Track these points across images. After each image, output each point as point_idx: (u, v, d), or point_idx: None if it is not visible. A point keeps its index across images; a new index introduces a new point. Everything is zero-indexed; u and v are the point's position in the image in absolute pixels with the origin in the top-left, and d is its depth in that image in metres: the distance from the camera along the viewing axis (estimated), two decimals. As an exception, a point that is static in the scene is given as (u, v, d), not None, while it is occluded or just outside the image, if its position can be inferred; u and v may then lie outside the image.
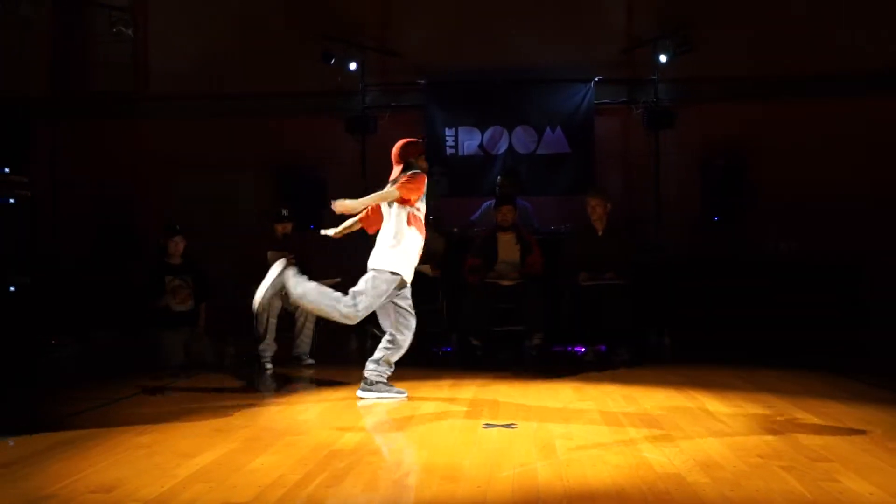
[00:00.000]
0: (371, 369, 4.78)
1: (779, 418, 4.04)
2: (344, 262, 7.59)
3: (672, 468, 3.16)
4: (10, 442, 3.75)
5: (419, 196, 4.77)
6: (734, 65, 8.23)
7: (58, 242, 8.16)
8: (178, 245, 6.64)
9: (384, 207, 4.84)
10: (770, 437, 3.63)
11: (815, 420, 3.98)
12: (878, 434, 3.64)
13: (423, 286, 6.76)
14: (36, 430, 3.95)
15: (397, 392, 4.78)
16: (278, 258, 6.49)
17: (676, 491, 2.87)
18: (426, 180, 4.82)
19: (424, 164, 4.94)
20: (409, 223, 4.75)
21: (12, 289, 5.84)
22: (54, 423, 4.16)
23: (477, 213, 8.10)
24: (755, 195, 8.05)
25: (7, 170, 5.93)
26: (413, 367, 6.18)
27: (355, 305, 4.61)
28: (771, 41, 8.20)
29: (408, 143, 4.97)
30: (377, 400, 4.70)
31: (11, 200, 5.91)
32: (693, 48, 7.82)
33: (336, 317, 4.68)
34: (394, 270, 4.70)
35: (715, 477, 3.02)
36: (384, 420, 4.31)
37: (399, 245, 4.72)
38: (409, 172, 4.77)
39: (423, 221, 4.89)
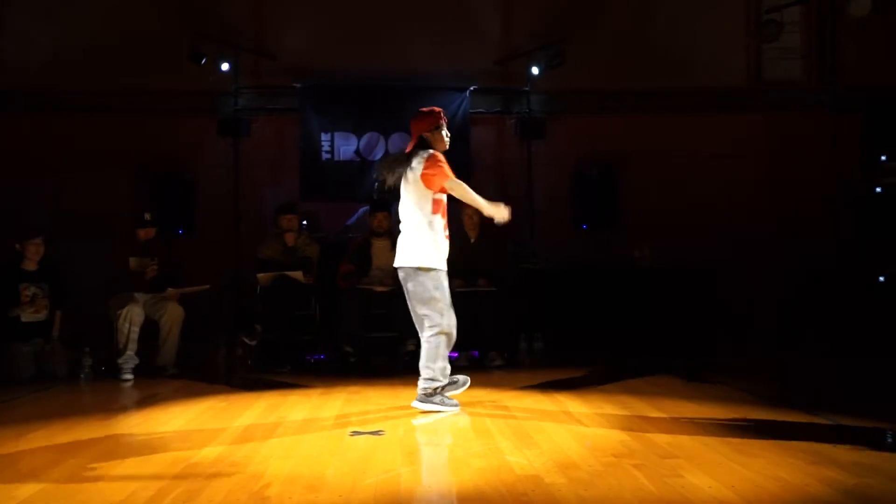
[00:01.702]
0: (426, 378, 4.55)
1: (635, 418, 4.24)
2: (212, 267, 7.44)
3: (532, 470, 3.25)
4: None
5: (446, 179, 4.47)
6: (604, 78, 8.56)
7: None
8: (37, 248, 6.25)
9: (411, 197, 4.57)
10: (625, 437, 3.80)
11: (667, 419, 4.20)
12: (723, 431, 3.88)
13: (296, 293, 6.69)
14: None
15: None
16: (140, 264, 6.29)
17: (534, 492, 2.96)
18: (443, 159, 4.54)
19: (441, 136, 4.64)
20: (433, 211, 4.54)
21: None
22: None
23: (353, 219, 8.08)
24: (622, 205, 8.42)
25: None
26: (284, 375, 6.13)
27: (439, 322, 4.47)
28: (639, 56, 8.59)
29: (420, 115, 4.68)
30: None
31: None
32: (565, 61, 8.10)
33: (443, 344, 4.50)
34: (432, 266, 4.48)
35: (571, 477, 3.13)
36: (247, 432, 4.21)
37: (435, 235, 4.54)
38: (425, 158, 4.51)
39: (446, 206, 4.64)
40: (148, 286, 6.31)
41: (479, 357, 6.61)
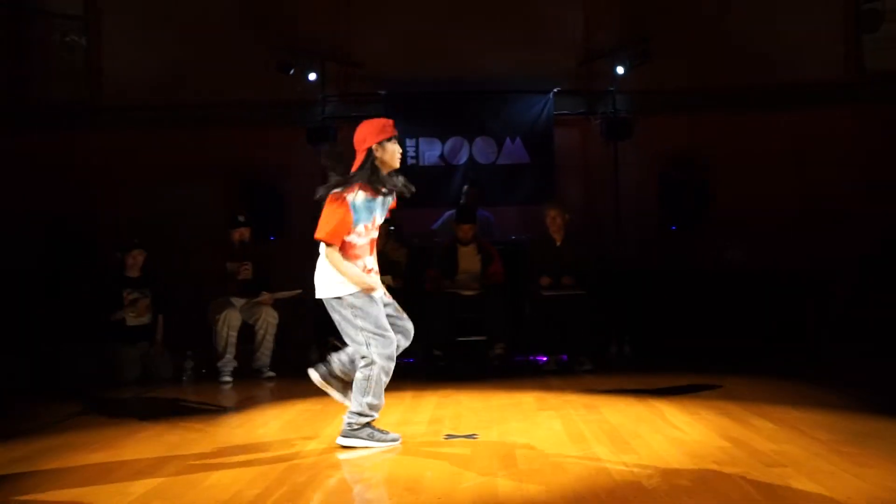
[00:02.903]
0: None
1: (735, 424, 4.11)
2: (303, 273, 7.60)
3: (631, 476, 3.20)
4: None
5: (348, 229, 3.78)
6: (692, 75, 8.37)
7: (6, 256, 7.95)
8: (136, 258, 6.54)
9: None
10: (726, 444, 3.69)
11: (769, 426, 4.05)
12: (829, 439, 3.72)
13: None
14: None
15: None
16: (236, 268, 6.48)
17: (635, 498, 2.90)
18: (347, 207, 3.73)
19: (392, 150, 3.83)
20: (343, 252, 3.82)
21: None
22: (8, 440, 4.06)
23: (438, 223, 8.13)
24: (712, 205, 8.20)
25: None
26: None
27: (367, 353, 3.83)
28: (727, 51, 8.36)
29: (365, 123, 3.88)
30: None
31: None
32: (650, 59, 7.95)
33: (374, 378, 3.84)
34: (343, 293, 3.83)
35: (673, 484, 3.06)
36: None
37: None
38: (335, 193, 3.76)
39: (371, 236, 3.98)
40: (243, 288, 6.49)
41: (567, 361, 6.54)
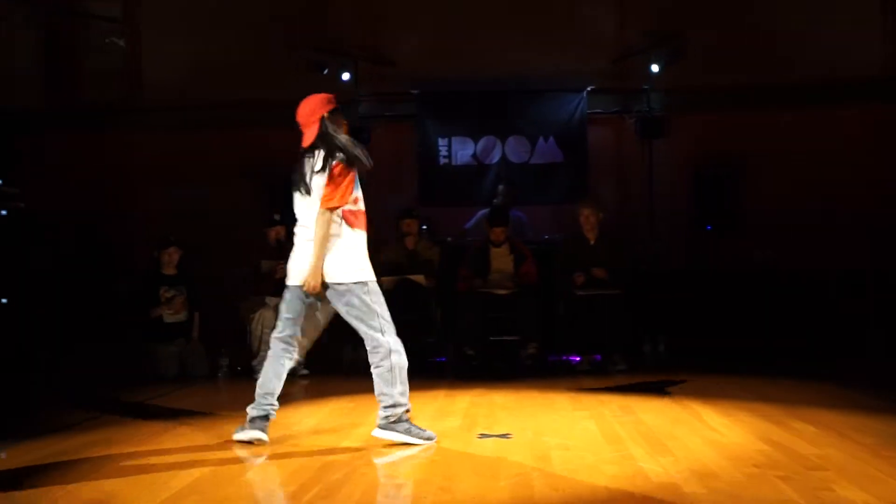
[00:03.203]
0: None
1: (773, 427, 4.03)
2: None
3: (668, 478, 3.15)
4: (2, 454, 3.72)
5: (350, 194, 3.80)
6: (726, 74, 8.25)
7: (46, 254, 8.09)
8: (172, 255, 6.62)
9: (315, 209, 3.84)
10: (765, 447, 3.62)
11: (809, 428, 3.97)
12: (871, 442, 3.64)
13: (418, 296, 6.78)
14: (27, 442, 3.92)
15: None
16: (272, 267, 6.52)
17: (673, 502, 2.86)
18: (353, 171, 3.80)
19: (341, 120, 3.91)
20: (351, 225, 3.85)
21: (4, 300, 5.82)
22: (45, 435, 4.12)
23: (471, 222, 8.11)
24: (746, 204, 8.07)
25: (-1, 181, 5.93)
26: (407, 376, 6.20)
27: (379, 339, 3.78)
28: (761, 50, 8.23)
29: (309, 98, 3.97)
30: None
31: (3, 212, 5.89)
32: (685, 57, 7.85)
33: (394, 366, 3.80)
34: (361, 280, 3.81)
35: (711, 487, 3.01)
36: (379, 431, 4.29)
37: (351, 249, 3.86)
38: (329, 175, 3.78)
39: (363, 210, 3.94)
40: (279, 288, 6.51)
41: (601, 361, 6.48)
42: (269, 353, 3.99)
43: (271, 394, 3.93)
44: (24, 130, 7.42)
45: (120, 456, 3.70)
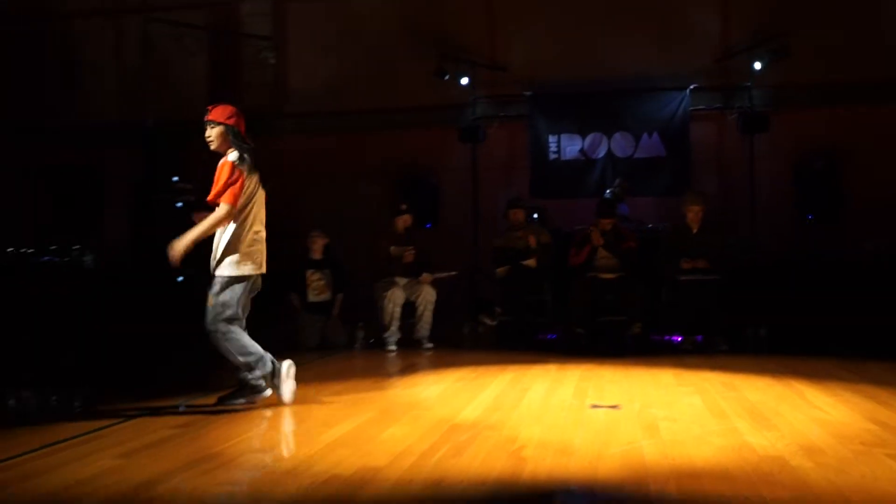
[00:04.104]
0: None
1: (880, 407, 3.77)
2: (454, 257, 7.72)
3: (774, 451, 3.01)
4: (181, 407, 3.98)
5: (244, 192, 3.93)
6: (827, 70, 7.75)
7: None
8: (317, 242, 6.87)
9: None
10: (872, 426, 3.39)
11: (918, 410, 3.70)
12: None
13: (530, 279, 6.76)
14: (203, 395, 4.19)
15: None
16: (400, 252, 6.66)
17: (780, 473, 2.73)
18: (243, 171, 3.99)
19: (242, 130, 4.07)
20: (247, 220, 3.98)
21: (180, 279, 6.24)
22: (214, 392, 4.38)
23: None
24: (848, 195, 7.56)
25: (176, 178, 6.32)
26: (521, 352, 6.20)
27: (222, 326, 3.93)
28: (864, 45, 7.67)
29: (226, 106, 4.20)
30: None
31: (179, 204, 6.29)
32: (788, 55, 7.42)
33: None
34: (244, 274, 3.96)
35: (818, 462, 2.85)
36: (498, 400, 4.31)
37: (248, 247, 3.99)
38: (226, 177, 3.94)
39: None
40: (407, 270, 6.66)
41: (702, 341, 6.25)
42: None
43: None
44: (197, 136, 7.82)
45: (276, 412, 3.89)
